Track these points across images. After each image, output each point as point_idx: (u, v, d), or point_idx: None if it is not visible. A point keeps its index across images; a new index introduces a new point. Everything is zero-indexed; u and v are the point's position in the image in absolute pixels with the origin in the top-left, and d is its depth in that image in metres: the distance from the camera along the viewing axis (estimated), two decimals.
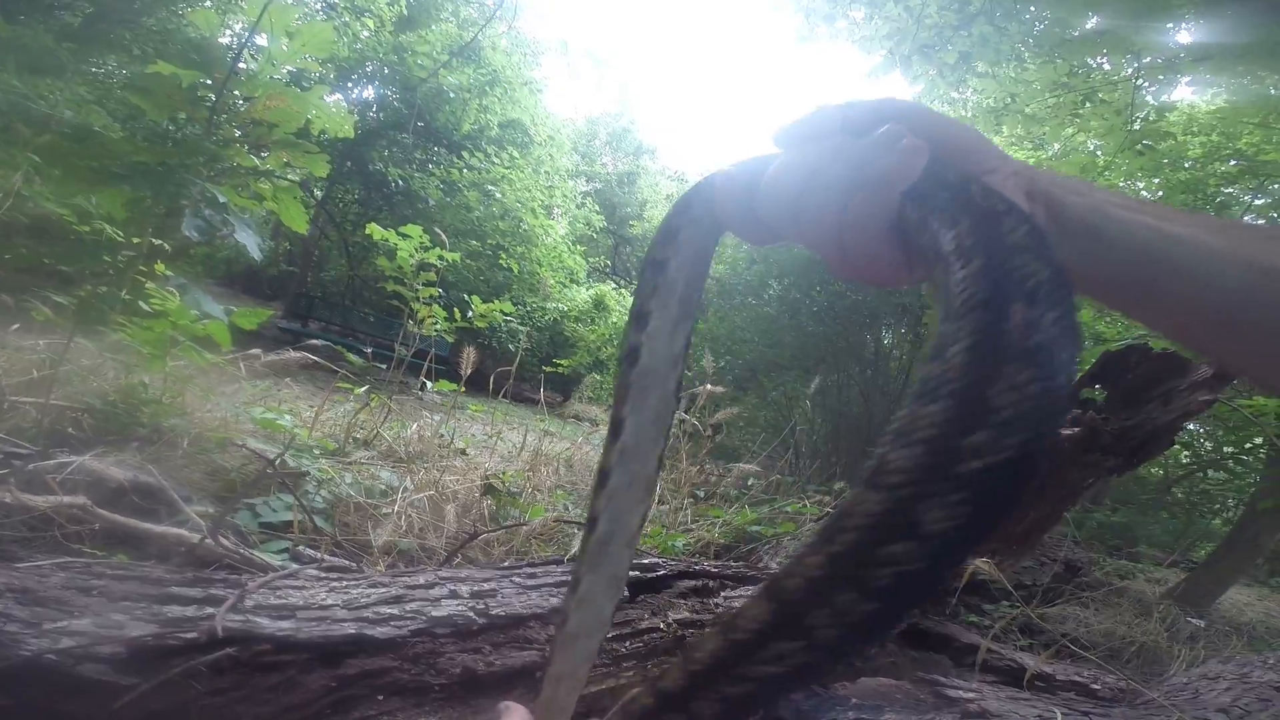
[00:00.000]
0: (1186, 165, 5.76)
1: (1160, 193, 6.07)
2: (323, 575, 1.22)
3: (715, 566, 1.72)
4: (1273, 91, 4.57)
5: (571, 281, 13.85)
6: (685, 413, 3.31)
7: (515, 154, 12.93)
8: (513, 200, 12.36)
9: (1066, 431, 1.61)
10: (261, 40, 1.97)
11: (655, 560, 1.66)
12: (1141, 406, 1.70)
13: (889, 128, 0.35)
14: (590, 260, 16.91)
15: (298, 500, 1.60)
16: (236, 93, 1.91)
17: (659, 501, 2.69)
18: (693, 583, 1.58)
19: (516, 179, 12.62)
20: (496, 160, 12.55)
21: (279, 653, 1.04)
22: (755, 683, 0.26)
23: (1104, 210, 0.39)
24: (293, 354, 2.07)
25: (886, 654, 1.69)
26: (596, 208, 17.59)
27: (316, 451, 2.09)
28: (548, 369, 7.06)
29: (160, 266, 1.82)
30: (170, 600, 1.07)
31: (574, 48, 27.92)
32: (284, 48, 1.96)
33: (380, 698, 1.07)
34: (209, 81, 1.80)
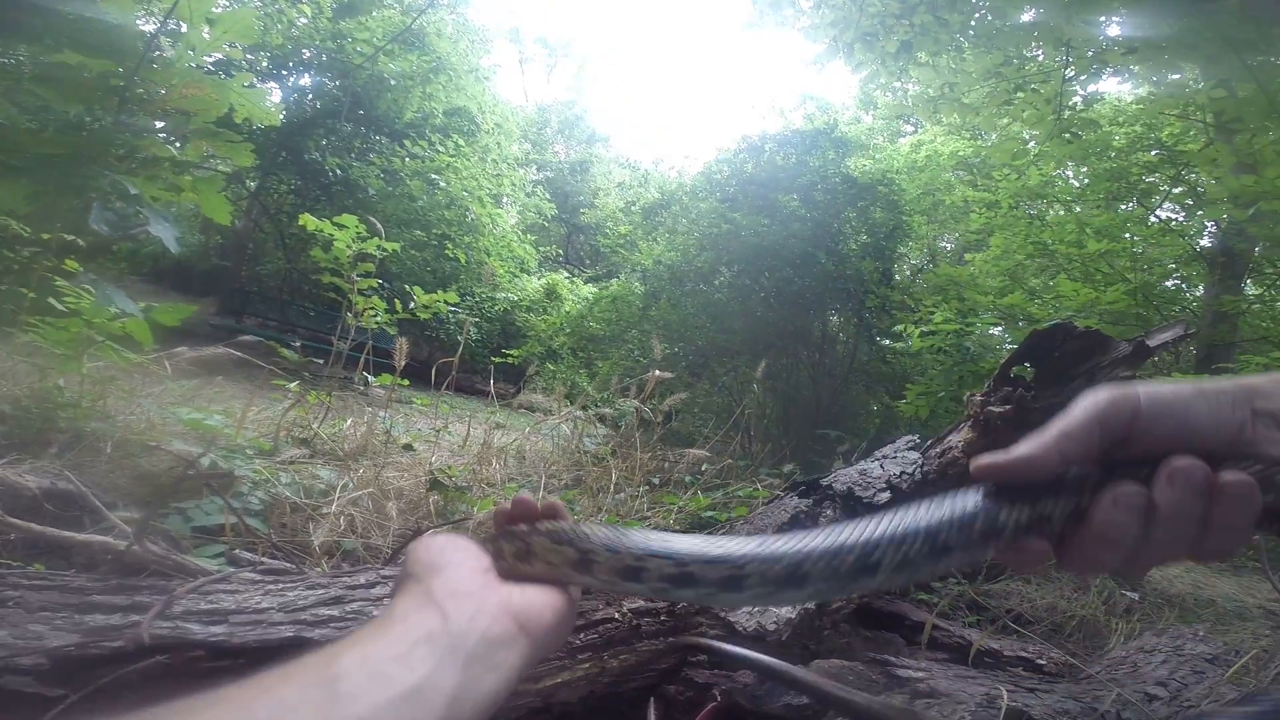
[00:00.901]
0: (1111, 155, 6.03)
1: (1087, 180, 6.36)
2: (258, 578, 1.18)
3: None
4: (1191, 85, 4.81)
5: (522, 271, 13.69)
6: (636, 399, 3.32)
7: (461, 142, 12.65)
8: (458, 189, 12.11)
9: (997, 409, 1.68)
10: (184, 28, 1.87)
11: None
12: (1068, 383, 1.77)
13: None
14: (542, 249, 16.73)
15: (226, 503, 1.54)
16: (154, 81, 1.81)
17: (614, 490, 2.70)
18: None
19: (462, 167, 12.36)
20: (441, 149, 12.26)
21: (213, 659, 1.00)
22: None
23: None
24: (219, 350, 1.97)
25: (840, 634, 1.73)
26: (548, 196, 17.38)
27: (250, 451, 2.01)
28: (497, 360, 6.96)
29: (72, 263, 1.71)
30: (92, 609, 1.02)
31: (525, 35, 27.38)
32: (205, 35, 1.86)
33: None
34: (121, 70, 1.70)
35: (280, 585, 1.15)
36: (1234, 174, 4.36)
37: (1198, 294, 6.10)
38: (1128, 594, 3.26)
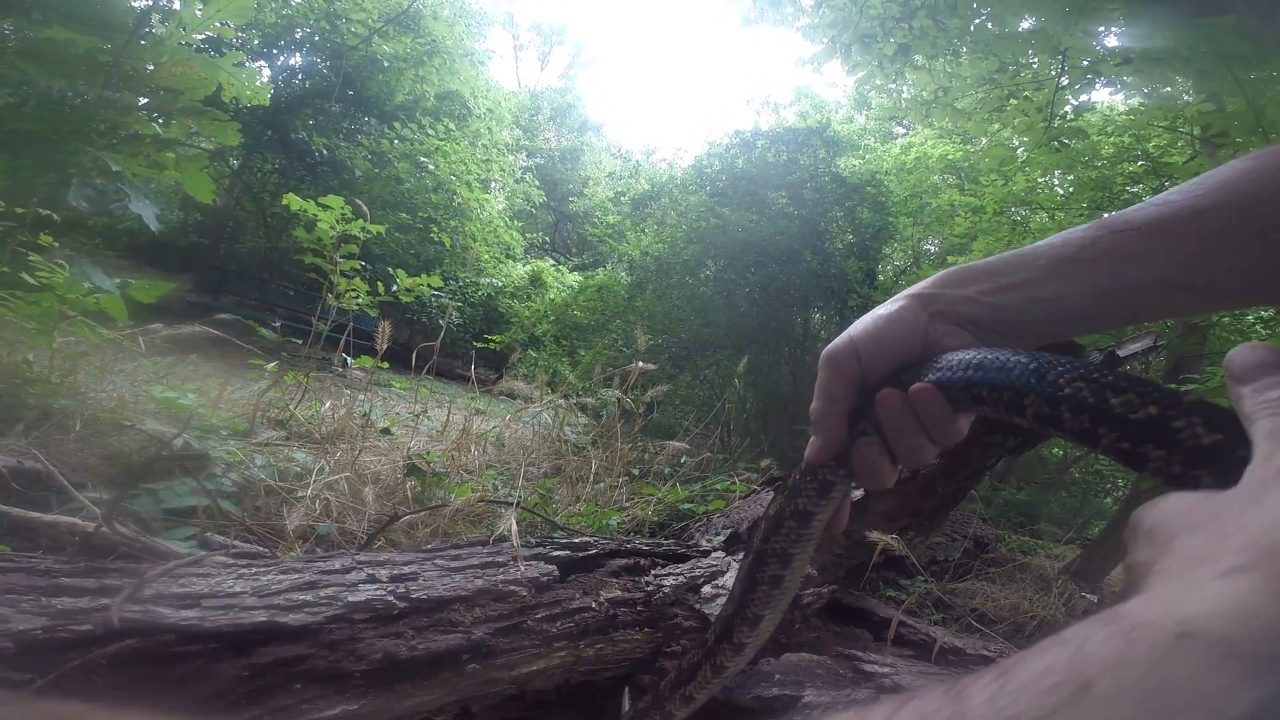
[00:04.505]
0: (1098, 164, 6.11)
1: (1072, 189, 6.44)
2: (231, 562, 1.17)
3: (646, 544, 1.74)
4: (1185, 97, 4.87)
5: (507, 257, 13.61)
6: (618, 390, 3.32)
7: (451, 126, 12.52)
8: (446, 173, 12.00)
9: None
10: (177, 5, 1.84)
11: (587, 539, 1.66)
12: None
13: None
14: (529, 236, 16.64)
15: (200, 484, 1.52)
16: (143, 58, 1.78)
17: (594, 480, 2.70)
18: (624, 561, 1.59)
19: (451, 151, 12.24)
20: (431, 132, 12.12)
21: (184, 643, 0.99)
22: None
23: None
24: (196, 328, 1.94)
25: (811, 629, 1.76)
26: (537, 183, 17.27)
27: (225, 432, 1.98)
28: (478, 345, 6.91)
29: (47, 238, 1.67)
30: (60, 591, 1.00)
31: (520, 20, 27.10)
32: (198, 13, 1.83)
33: (298, 686, 1.04)
34: (109, 46, 1.66)
35: (253, 569, 1.14)
36: None
37: None
38: (1086, 595, 3.33)
